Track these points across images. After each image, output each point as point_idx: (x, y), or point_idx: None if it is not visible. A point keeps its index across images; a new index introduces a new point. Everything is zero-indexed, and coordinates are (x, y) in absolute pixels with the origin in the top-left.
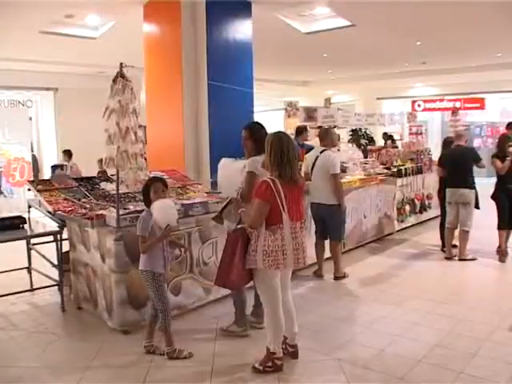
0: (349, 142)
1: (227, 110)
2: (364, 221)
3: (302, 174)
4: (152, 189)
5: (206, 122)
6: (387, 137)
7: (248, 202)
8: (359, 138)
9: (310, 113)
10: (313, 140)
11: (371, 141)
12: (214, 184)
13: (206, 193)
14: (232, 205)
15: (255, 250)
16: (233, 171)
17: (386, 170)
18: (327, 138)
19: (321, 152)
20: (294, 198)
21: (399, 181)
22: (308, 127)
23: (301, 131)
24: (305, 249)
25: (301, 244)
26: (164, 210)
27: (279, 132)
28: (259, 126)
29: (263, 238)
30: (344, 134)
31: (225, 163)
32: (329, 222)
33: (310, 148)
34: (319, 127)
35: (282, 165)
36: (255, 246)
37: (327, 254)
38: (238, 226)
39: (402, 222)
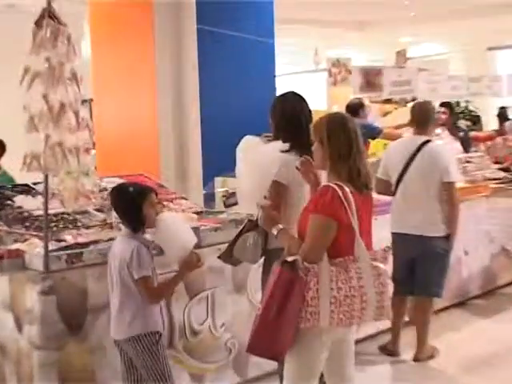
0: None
1: (231, 74)
2: (465, 260)
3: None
4: (146, 203)
5: (196, 93)
6: (504, 114)
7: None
8: (456, 117)
9: (371, 76)
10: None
11: (476, 122)
12: (210, 198)
13: (196, 213)
14: (252, 233)
15: (316, 297)
16: (266, 160)
17: (502, 173)
18: (429, 120)
19: (422, 144)
20: (366, 215)
21: None
22: (366, 101)
23: (355, 109)
24: (388, 293)
25: (385, 285)
26: (181, 228)
27: (337, 113)
28: (296, 100)
29: (329, 278)
30: None
31: (250, 145)
32: (425, 268)
33: (375, 131)
34: (387, 101)
35: (350, 160)
36: (316, 291)
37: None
38: (289, 259)
39: None
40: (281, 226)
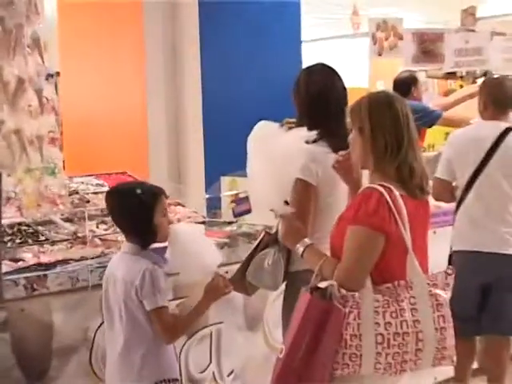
0: None
1: (243, 42)
2: None
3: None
4: (159, 209)
5: (196, 69)
6: None
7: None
8: None
9: (428, 43)
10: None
11: None
12: (214, 204)
13: (197, 223)
14: (271, 250)
15: (357, 335)
16: (287, 153)
17: None
18: (510, 100)
19: (504, 133)
20: (421, 228)
21: None
22: (422, 76)
23: (405, 86)
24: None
25: (447, 319)
26: (202, 244)
27: (382, 92)
28: (326, 73)
29: (373, 310)
30: None
31: (266, 134)
32: (502, 297)
33: (433, 116)
34: (450, 76)
35: (401, 155)
36: (357, 327)
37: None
38: (321, 285)
39: None
40: (308, 241)
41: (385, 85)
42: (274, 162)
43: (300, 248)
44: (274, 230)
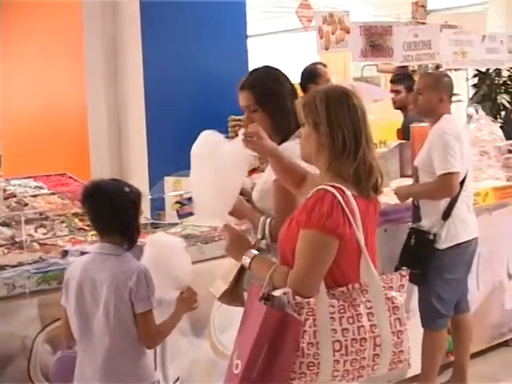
0: (471, 102)
1: (186, 39)
2: (509, 286)
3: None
4: (140, 210)
5: (138, 68)
6: None
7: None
8: (495, 92)
9: (376, 37)
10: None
11: None
12: (158, 205)
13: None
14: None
15: (314, 342)
16: (226, 163)
17: None
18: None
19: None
20: (371, 228)
21: None
22: (374, 71)
23: (309, 77)
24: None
25: (403, 322)
26: (178, 254)
27: (337, 86)
28: (276, 75)
29: (329, 316)
30: (462, 86)
31: (206, 143)
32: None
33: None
34: (401, 69)
35: (359, 153)
36: (313, 334)
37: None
38: (276, 293)
39: None
40: (254, 252)
41: (336, 80)
42: (218, 171)
43: (247, 259)
44: (259, 236)
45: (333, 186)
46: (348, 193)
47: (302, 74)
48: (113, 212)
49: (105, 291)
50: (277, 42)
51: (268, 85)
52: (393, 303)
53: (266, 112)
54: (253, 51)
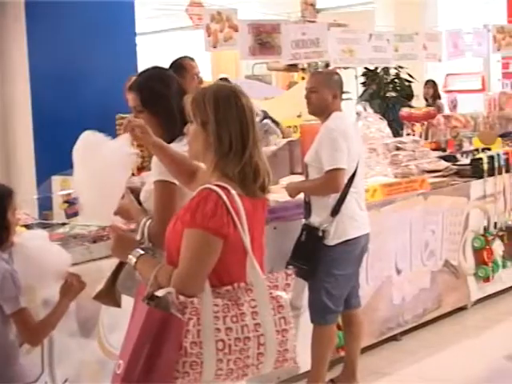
0: (360, 100)
1: (73, 39)
2: (397, 281)
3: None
4: (11, 208)
5: (23, 68)
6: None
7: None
8: (383, 90)
9: (264, 35)
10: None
11: (410, 97)
12: (46, 205)
13: (26, 226)
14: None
15: (197, 342)
16: (107, 162)
17: (445, 163)
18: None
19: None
20: (258, 227)
21: (477, 187)
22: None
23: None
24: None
25: (288, 320)
26: (49, 250)
27: (226, 84)
28: (162, 76)
29: (213, 316)
30: (351, 84)
31: (87, 143)
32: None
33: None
34: (292, 68)
35: (246, 153)
36: (196, 333)
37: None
38: (158, 293)
39: (488, 280)
40: (140, 251)
41: (230, 79)
42: (98, 171)
43: (132, 259)
44: (139, 237)
45: (218, 186)
46: (233, 192)
47: (169, 68)
48: None
49: None
50: (169, 39)
51: (153, 86)
52: (278, 302)
53: (152, 114)
54: (144, 49)
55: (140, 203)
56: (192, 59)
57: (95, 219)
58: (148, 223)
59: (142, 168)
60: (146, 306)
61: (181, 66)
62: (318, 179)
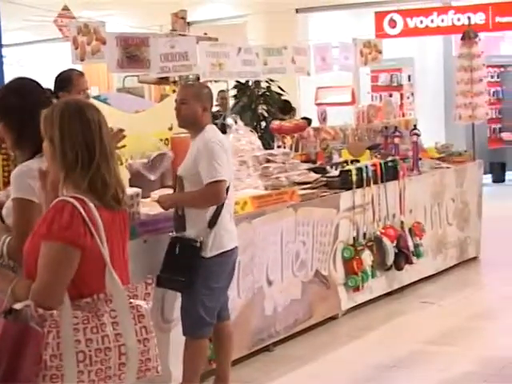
0: (231, 113)
1: None
2: (268, 292)
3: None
4: None
5: None
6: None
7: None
8: (255, 103)
9: (132, 48)
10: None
11: (288, 110)
12: None
13: None
14: None
15: (57, 354)
16: None
17: (314, 175)
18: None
19: None
20: (120, 240)
21: (346, 198)
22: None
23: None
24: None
25: (149, 330)
26: None
27: (72, 99)
28: (18, 88)
29: (73, 328)
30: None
31: None
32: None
33: None
34: (163, 80)
35: (93, 168)
36: (56, 346)
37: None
38: (16, 306)
39: (358, 289)
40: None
41: (99, 90)
42: None
43: None
44: None
45: (73, 197)
46: (90, 204)
47: (55, 80)
48: None
49: None
50: (39, 51)
51: (7, 98)
52: (138, 311)
53: (8, 126)
54: (14, 60)
55: (3, 219)
56: (81, 74)
57: None
58: (7, 240)
59: (8, 182)
60: (3, 320)
61: (68, 78)
62: (198, 192)
